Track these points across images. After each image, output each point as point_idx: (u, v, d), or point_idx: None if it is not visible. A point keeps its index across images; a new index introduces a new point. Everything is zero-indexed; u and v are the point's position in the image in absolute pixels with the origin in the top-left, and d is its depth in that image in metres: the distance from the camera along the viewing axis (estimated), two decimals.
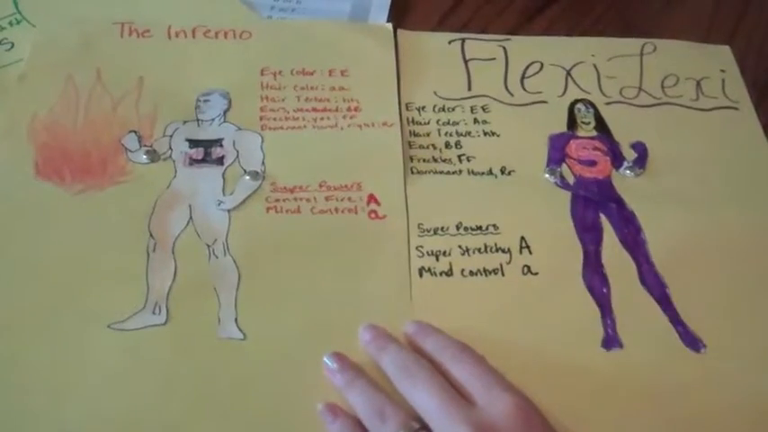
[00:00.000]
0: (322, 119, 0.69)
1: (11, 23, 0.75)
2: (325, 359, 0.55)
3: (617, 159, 0.69)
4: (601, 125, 0.71)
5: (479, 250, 0.62)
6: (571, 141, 0.70)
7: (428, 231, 0.63)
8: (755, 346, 0.59)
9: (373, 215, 0.63)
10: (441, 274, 0.61)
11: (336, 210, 0.64)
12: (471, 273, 0.61)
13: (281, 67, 0.73)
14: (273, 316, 0.58)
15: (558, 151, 0.69)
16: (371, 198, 0.64)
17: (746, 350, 0.59)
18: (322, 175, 0.65)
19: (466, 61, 0.75)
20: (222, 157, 0.66)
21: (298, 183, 0.65)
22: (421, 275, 0.61)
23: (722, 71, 0.76)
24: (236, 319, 0.57)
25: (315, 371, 0.55)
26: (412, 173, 0.67)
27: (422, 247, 0.62)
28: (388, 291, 0.60)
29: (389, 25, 0.76)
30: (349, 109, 0.70)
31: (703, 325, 0.60)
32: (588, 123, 0.71)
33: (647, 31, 0.79)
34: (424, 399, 0.50)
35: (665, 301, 0.61)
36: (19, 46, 0.73)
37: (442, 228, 0.63)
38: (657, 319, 0.60)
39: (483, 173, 0.67)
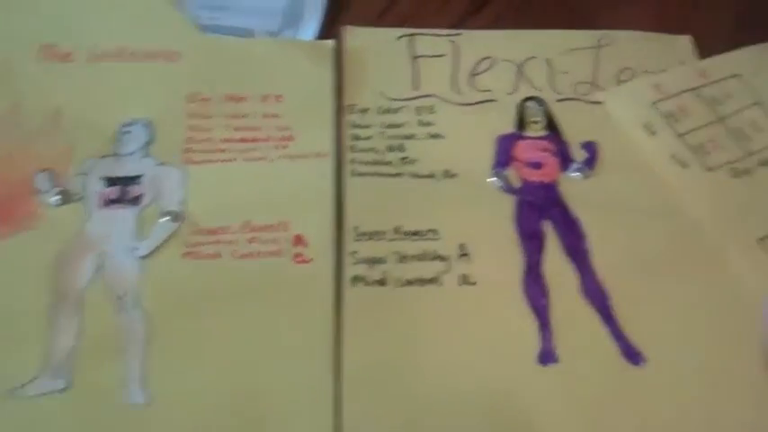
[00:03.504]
0: (251, 150, 0.65)
1: None
2: None
3: (566, 160, 0.66)
4: (551, 124, 0.69)
5: (417, 257, 0.60)
6: (519, 142, 0.67)
7: (364, 236, 0.61)
8: (696, 360, 0.57)
9: (299, 258, 0.60)
10: (373, 283, 0.59)
11: (259, 253, 0.59)
12: (408, 282, 0.59)
13: (210, 93, 0.68)
14: (185, 378, 0.54)
15: (504, 153, 0.67)
16: (298, 239, 0.61)
17: (687, 363, 0.57)
18: (247, 214, 0.61)
19: (415, 58, 0.72)
20: (140, 197, 0.62)
21: (221, 223, 0.61)
22: (354, 285, 0.59)
23: (682, 64, 0.73)
24: (143, 383, 0.53)
25: None
26: (351, 175, 0.64)
27: (356, 252, 0.60)
28: (309, 344, 0.56)
29: (330, 43, 0.72)
30: (281, 138, 0.66)
31: (644, 338, 0.58)
32: (538, 122, 0.69)
33: (599, 23, 0.76)
34: None
35: (605, 313, 0.59)
36: None
37: (379, 232, 0.61)
38: (597, 332, 0.58)
39: (425, 176, 0.65)
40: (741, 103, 0.70)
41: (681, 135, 0.67)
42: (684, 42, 0.75)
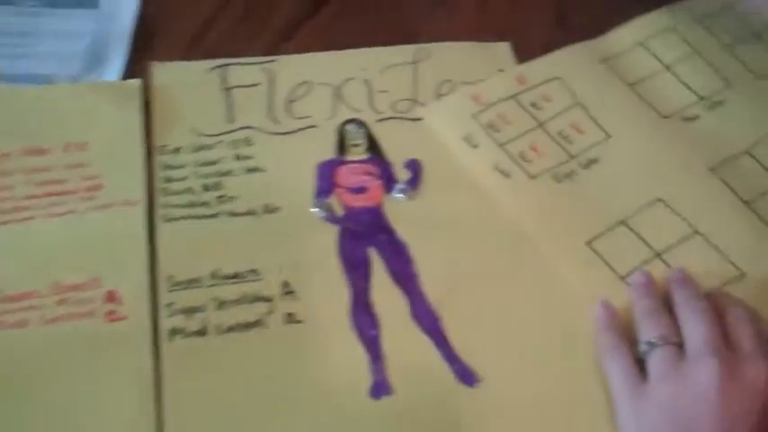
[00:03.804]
0: (58, 204, 0.61)
1: None
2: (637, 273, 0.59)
3: (389, 182, 0.64)
4: (373, 146, 0.67)
5: (237, 302, 0.57)
6: (340, 168, 0.65)
7: (179, 285, 0.58)
8: (531, 371, 0.56)
9: (113, 316, 0.56)
10: (193, 334, 0.56)
11: (70, 316, 0.56)
12: (230, 328, 0.57)
13: (8, 148, 0.63)
14: None
15: (325, 180, 0.64)
16: (111, 296, 0.57)
17: (522, 377, 0.56)
18: (55, 275, 0.57)
19: (228, 90, 0.69)
20: None
21: (26, 288, 0.57)
22: (172, 339, 0.56)
23: (501, 71, 0.72)
24: None
25: None
26: (164, 221, 0.61)
27: (173, 304, 0.57)
28: (129, 406, 0.53)
29: (136, 82, 0.68)
30: (89, 188, 0.62)
31: (479, 356, 0.57)
32: (359, 145, 0.67)
33: (418, 36, 0.74)
34: (696, 325, 0.53)
35: (438, 336, 0.57)
36: None
37: (196, 279, 0.58)
38: (430, 357, 0.57)
39: (244, 213, 0.62)
40: (561, 105, 0.69)
41: (502, 145, 0.66)
42: (503, 49, 0.74)
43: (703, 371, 0.50)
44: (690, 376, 0.50)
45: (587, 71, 0.72)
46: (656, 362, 0.52)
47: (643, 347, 0.53)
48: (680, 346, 0.53)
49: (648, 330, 0.54)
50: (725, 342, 0.52)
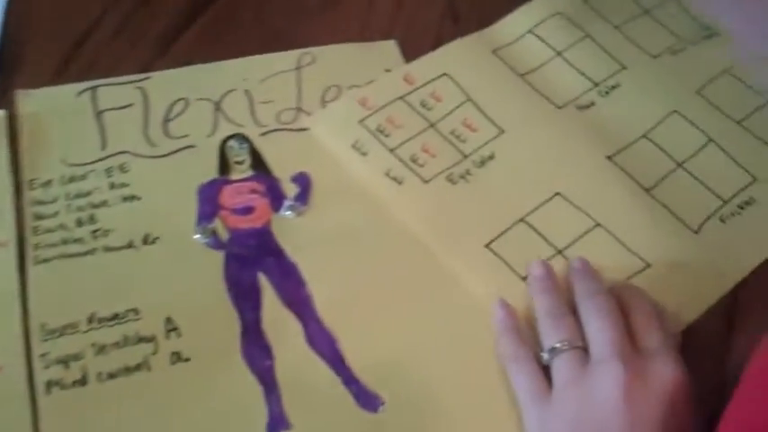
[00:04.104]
0: None
1: None
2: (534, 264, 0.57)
3: (277, 200, 0.61)
4: (257, 162, 0.63)
5: (117, 345, 0.54)
6: (224, 188, 0.61)
7: (54, 333, 0.54)
8: (434, 389, 0.54)
9: None
10: (73, 384, 0.52)
11: None
12: (110, 375, 0.53)
13: None
14: None
15: (208, 203, 0.61)
16: None
17: (426, 395, 0.53)
18: None
19: (100, 114, 0.65)
20: None
21: None
22: (49, 392, 0.52)
23: (388, 71, 0.69)
24: None
25: None
26: (35, 263, 0.57)
27: (48, 354, 0.53)
28: None
29: (1, 113, 0.64)
30: None
31: (382, 377, 0.54)
32: (242, 162, 0.63)
33: (303, 40, 0.70)
34: (599, 326, 0.50)
35: (336, 361, 0.55)
36: None
37: (71, 324, 0.54)
38: (329, 384, 0.54)
39: (121, 247, 0.58)
40: (452, 103, 0.67)
41: (392, 150, 0.63)
42: (390, 47, 0.71)
43: (607, 375, 0.48)
44: (594, 382, 0.48)
45: (477, 65, 0.69)
46: (560, 368, 0.50)
47: (546, 355, 0.51)
48: (585, 349, 0.51)
49: (551, 335, 0.52)
50: (629, 341, 0.50)
